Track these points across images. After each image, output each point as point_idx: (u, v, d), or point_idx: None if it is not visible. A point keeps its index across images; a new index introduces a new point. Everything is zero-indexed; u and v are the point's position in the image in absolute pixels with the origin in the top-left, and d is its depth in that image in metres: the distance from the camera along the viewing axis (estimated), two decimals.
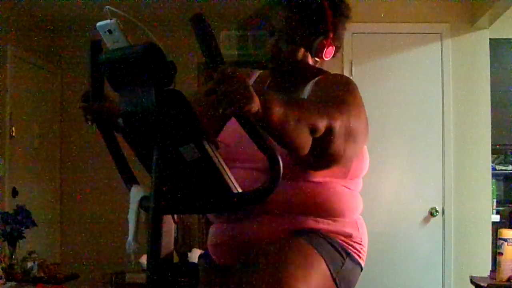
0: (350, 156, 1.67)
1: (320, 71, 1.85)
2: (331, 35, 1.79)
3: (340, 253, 1.72)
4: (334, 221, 1.74)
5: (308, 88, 1.77)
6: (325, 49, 1.79)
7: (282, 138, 1.45)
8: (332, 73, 1.86)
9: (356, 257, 1.77)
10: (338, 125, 1.52)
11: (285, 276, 1.57)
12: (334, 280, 1.68)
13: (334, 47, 1.81)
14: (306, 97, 1.72)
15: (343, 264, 1.72)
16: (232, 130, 1.81)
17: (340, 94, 1.65)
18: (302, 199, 1.70)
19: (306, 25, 1.78)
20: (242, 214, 1.71)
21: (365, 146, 1.81)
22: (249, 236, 1.71)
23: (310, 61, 1.84)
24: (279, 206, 1.68)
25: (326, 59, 1.82)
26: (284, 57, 1.80)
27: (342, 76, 1.84)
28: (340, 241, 1.74)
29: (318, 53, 1.80)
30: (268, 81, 1.91)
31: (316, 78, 1.79)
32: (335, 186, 1.75)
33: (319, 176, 1.71)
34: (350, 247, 1.76)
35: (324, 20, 1.78)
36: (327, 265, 1.67)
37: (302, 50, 1.81)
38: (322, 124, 1.47)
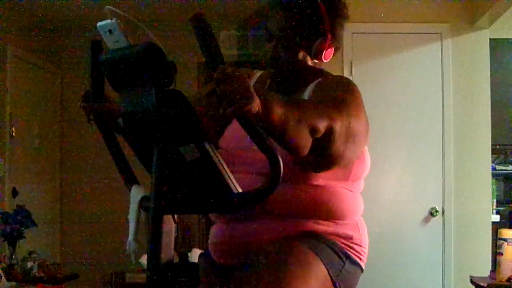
0: (350, 157, 1.66)
1: (320, 72, 1.83)
2: (329, 37, 1.76)
3: (339, 256, 1.72)
4: (335, 223, 1.74)
5: (309, 89, 1.76)
6: (324, 51, 1.77)
7: (282, 138, 1.44)
8: (333, 74, 1.85)
9: (356, 259, 1.77)
10: (338, 126, 1.50)
11: (285, 277, 1.57)
12: (334, 283, 1.68)
13: (333, 49, 1.80)
14: (307, 99, 1.71)
15: (342, 267, 1.71)
16: (232, 132, 1.81)
17: (340, 95, 1.63)
18: (303, 202, 1.69)
19: (303, 28, 1.75)
20: (243, 214, 1.71)
21: (366, 147, 1.80)
22: (249, 236, 1.71)
23: (310, 62, 1.82)
24: (280, 208, 1.68)
25: (325, 60, 1.80)
26: (283, 61, 1.78)
27: (343, 77, 1.83)
28: (340, 244, 1.74)
29: (317, 55, 1.78)
30: (268, 82, 1.89)
31: (318, 80, 1.78)
32: (336, 188, 1.74)
33: (320, 179, 1.70)
34: (350, 249, 1.76)
35: (321, 22, 1.75)
36: (327, 269, 1.67)
37: (302, 53, 1.79)
38: (322, 125, 1.46)
